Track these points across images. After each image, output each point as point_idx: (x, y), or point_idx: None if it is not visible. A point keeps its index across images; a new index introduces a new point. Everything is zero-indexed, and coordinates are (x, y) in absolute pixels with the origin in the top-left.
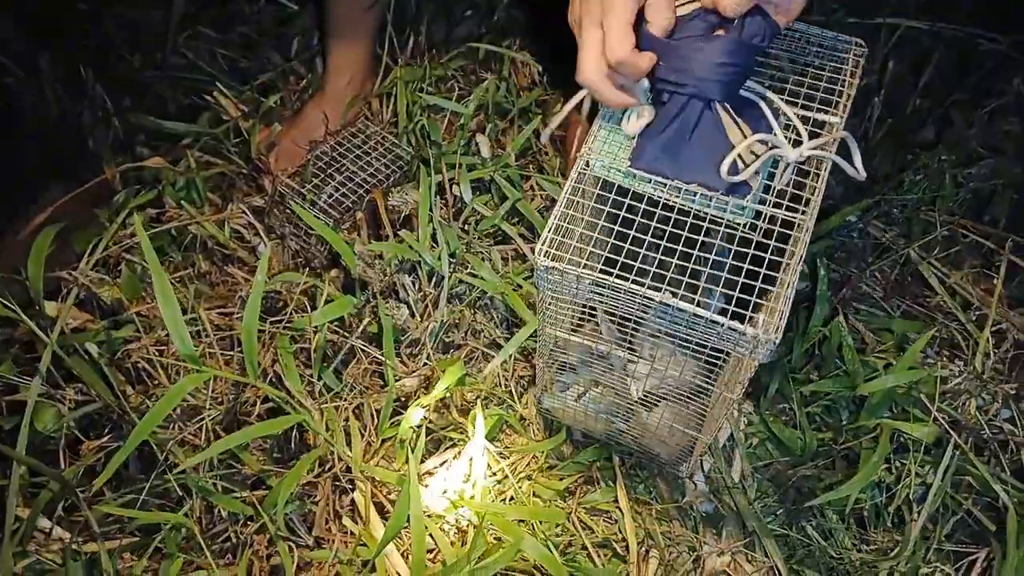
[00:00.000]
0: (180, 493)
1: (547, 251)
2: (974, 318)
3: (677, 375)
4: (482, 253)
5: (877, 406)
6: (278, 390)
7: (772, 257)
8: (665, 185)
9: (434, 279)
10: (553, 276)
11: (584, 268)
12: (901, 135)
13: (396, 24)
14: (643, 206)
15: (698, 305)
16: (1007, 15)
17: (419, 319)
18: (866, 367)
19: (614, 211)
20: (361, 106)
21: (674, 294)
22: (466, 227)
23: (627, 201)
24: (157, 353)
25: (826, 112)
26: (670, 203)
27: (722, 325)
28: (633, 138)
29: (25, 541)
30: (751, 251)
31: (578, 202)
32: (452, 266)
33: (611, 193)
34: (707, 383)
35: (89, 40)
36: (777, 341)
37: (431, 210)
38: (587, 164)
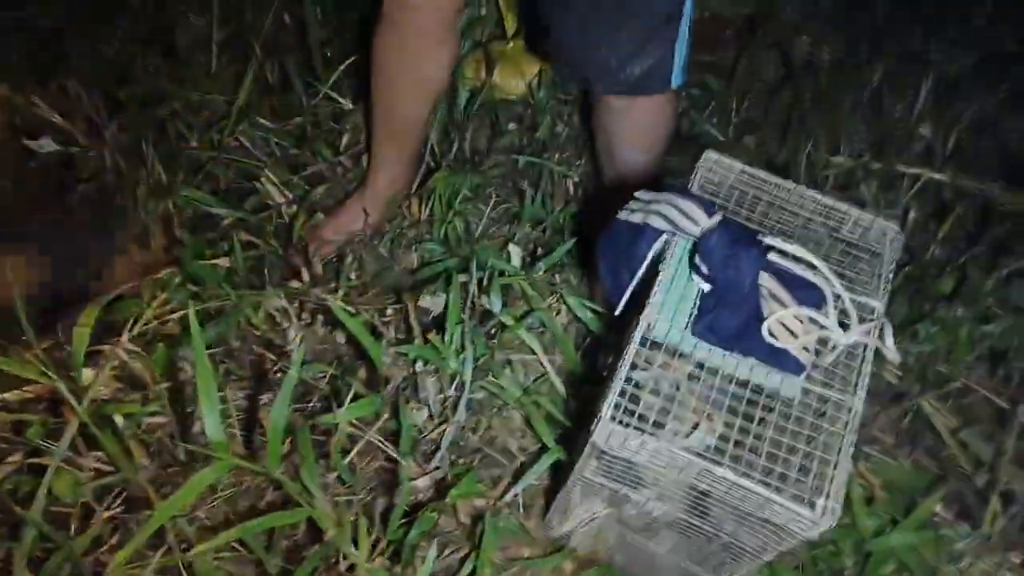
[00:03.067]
0: (184, 574)
1: (615, 416)
2: (985, 475)
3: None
4: (506, 361)
5: (882, 562)
6: (294, 482)
7: (811, 434)
8: (724, 354)
9: (455, 382)
10: (617, 441)
11: (647, 436)
12: (918, 281)
13: (441, 130)
14: (702, 373)
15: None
16: None
17: (437, 421)
18: (873, 518)
19: (669, 374)
20: (401, 204)
21: (746, 474)
22: (493, 333)
23: (688, 367)
24: (180, 431)
25: (867, 295)
26: (726, 371)
27: (782, 505)
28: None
29: None
30: (797, 428)
31: (641, 366)
32: (475, 371)
33: (670, 357)
34: (710, 530)
35: (153, 115)
36: (834, 525)
37: (460, 315)
38: (649, 326)
